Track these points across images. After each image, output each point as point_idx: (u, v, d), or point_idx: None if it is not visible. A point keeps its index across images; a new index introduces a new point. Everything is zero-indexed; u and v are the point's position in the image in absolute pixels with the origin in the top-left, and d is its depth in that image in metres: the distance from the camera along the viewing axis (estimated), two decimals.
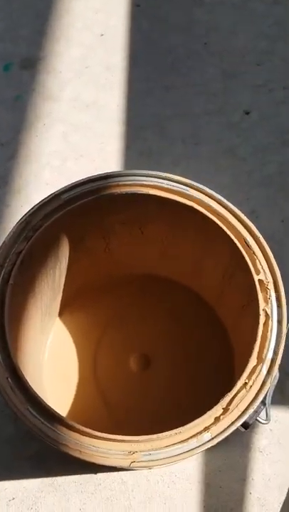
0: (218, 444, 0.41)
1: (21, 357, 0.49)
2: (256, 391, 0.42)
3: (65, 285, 0.63)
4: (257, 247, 0.46)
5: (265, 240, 0.47)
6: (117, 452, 0.41)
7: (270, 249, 0.47)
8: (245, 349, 0.59)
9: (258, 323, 0.43)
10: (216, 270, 0.58)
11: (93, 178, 0.48)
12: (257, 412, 0.43)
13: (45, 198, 0.47)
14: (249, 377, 0.42)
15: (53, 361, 0.64)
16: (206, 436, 0.41)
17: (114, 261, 0.64)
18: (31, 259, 0.48)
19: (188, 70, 0.83)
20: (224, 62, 0.83)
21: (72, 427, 0.41)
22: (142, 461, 0.40)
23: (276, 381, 0.46)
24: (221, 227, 0.48)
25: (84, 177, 0.48)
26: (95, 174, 0.48)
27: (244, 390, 0.42)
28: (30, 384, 0.42)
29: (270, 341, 0.43)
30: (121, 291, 0.67)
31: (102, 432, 0.41)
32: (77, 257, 0.59)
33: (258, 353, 0.43)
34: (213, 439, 0.41)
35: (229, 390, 0.61)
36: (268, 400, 0.45)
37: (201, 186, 0.47)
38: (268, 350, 0.43)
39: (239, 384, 0.41)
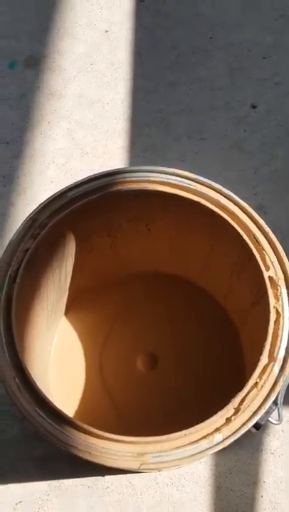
0: (228, 445, 0.40)
1: (27, 356, 0.48)
2: (268, 390, 0.41)
3: (70, 283, 0.62)
4: (266, 242, 0.44)
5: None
6: (126, 454, 0.40)
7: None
8: (255, 347, 0.58)
9: (268, 320, 0.42)
10: (225, 267, 0.57)
11: (99, 175, 0.47)
12: (269, 413, 0.42)
13: (51, 196, 0.46)
14: (260, 376, 0.41)
15: (59, 360, 0.64)
16: (218, 437, 0.40)
17: (120, 259, 0.63)
18: (37, 257, 0.48)
19: (193, 65, 0.82)
20: (230, 56, 0.81)
21: (81, 428, 0.40)
22: (151, 463, 0.39)
23: (288, 380, 0.45)
24: (229, 223, 0.47)
25: (90, 174, 0.47)
26: (101, 171, 0.47)
27: (255, 389, 0.41)
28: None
29: (281, 339, 0.42)
30: (127, 289, 0.66)
31: (109, 432, 0.40)
32: (83, 255, 0.59)
33: (270, 351, 0.42)
34: (224, 440, 0.40)
35: (239, 390, 0.60)
36: (280, 400, 0.44)
37: (208, 181, 0.46)
38: (279, 348, 0.42)
39: (250, 383, 0.40)
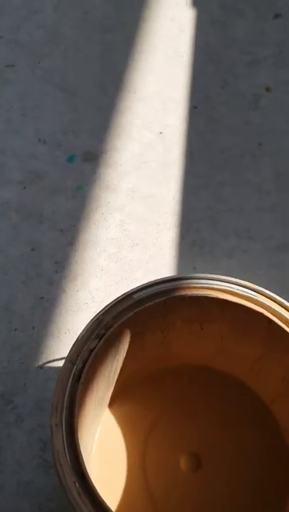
0: None
1: None
2: None
3: (118, 375, 0.63)
4: None
5: None
6: None
7: None
8: None
9: None
10: (276, 372, 0.57)
11: (164, 280, 0.49)
12: None
13: (118, 297, 0.48)
14: None
15: (101, 456, 0.63)
16: None
17: (170, 353, 0.64)
18: (97, 355, 0.49)
19: (242, 168, 0.86)
20: (278, 162, 0.86)
21: None
22: None
23: None
24: (286, 332, 0.49)
25: (155, 278, 0.49)
26: (166, 276, 0.49)
27: None
28: None
29: None
30: (174, 382, 0.66)
31: None
32: (135, 349, 0.60)
33: None
34: None
35: (286, 490, 0.58)
36: None
37: (270, 293, 0.48)
38: None
39: None
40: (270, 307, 0.48)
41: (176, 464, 0.61)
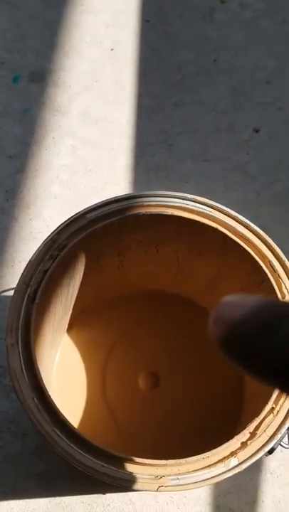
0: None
1: None
2: (283, 416, 0.42)
3: (75, 301, 0.62)
4: (282, 270, 0.46)
5: None
6: (144, 476, 0.40)
7: None
8: None
9: None
10: (231, 290, 0.58)
11: (118, 198, 0.47)
12: (282, 437, 0.43)
13: (70, 217, 0.46)
14: (276, 402, 0.42)
15: (61, 378, 0.64)
16: (233, 461, 0.41)
17: (127, 277, 0.64)
18: (53, 277, 0.48)
19: (197, 87, 0.83)
20: (233, 79, 0.83)
21: (100, 450, 0.40)
22: (169, 486, 0.40)
23: None
24: (242, 248, 0.49)
25: (110, 196, 0.48)
26: (120, 195, 0.48)
27: (271, 415, 0.42)
28: None
29: None
30: (131, 308, 0.67)
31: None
32: (91, 273, 0.59)
33: None
34: (240, 464, 0.41)
35: (239, 411, 0.61)
36: None
37: (225, 208, 0.47)
38: None
39: (266, 408, 0.41)
40: (225, 222, 0.48)
41: (135, 383, 0.63)
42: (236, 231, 0.47)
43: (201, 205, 0.47)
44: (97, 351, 0.65)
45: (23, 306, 0.44)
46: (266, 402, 0.41)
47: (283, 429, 0.41)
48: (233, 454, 0.41)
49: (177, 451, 0.42)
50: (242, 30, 0.87)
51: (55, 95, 0.82)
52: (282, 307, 0.17)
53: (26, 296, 0.44)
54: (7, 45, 0.84)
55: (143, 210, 0.47)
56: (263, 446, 0.41)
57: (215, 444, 0.40)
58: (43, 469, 0.62)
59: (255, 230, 0.47)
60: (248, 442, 0.41)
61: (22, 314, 0.43)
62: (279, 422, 0.41)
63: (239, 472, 0.41)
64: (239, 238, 0.47)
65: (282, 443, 0.44)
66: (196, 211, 0.48)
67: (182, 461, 0.40)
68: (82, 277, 0.59)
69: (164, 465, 0.40)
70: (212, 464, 0.41)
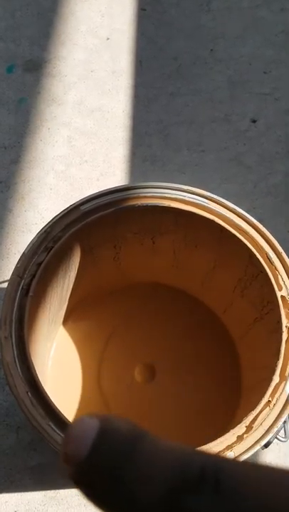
0: None
1: None
2: (280, 409, 0.41)
3: (71, 293, 0.62)
4: (279, 262, 0.45)
5: None
6: None
7: None
8: (255, 362, 0.59)
9: (280, 340, 0.43)
10: (228, 282, 0.58)
11: (113, 190, 0.47)
12: (278, 430, 0.42)
13: (65, 209, 0.46)
14: (272, 395, 0.42)
15: (57, 370, 0.63)
16: (229, 455, 0.40)
17: (122, 269, 0.63)
18: (47, 269, 0.47)
19: (194, 76, 0.82)
20: (230, 69, 0.82)
21: None
22: None
23: None
24: (239, 240, 0.48)
25: (106, 187, 0.47)
26: (115, 186, 0.47)
27: (267, 408, 0.41)
28: None
29: None
30: (127, 300, 0.66)
31: None
32: (86, 265, 0.58)
33: (281, 370, 0.42)
34: (236, 458, 0.40)
35: (235, 403, 0.61)
36: (287, 418, 0.45)
37: (222, 200, 0.47)
38: None
39: (263, 402, 0.41)
40: (222, 214, 0.47)
41: (131, 375, 0.63)
42: (233, 223, 0.46)
43: (197, 197, 0.47)
44: (93, 343, 0.64)
45: (17, 299, 0.43)
46: (262, 396, 0.41)
47: (279, 423, 0.41)
48: (229, 447, 0.41)
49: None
50: (239, 19, 0.86)
51: (50, 85, 0.81)
52: (121, 443, 0.15)
53: (20, 288, 0.44)
54: (1, 33, 0.83)
55: (139, 202, 0.47)
56: (259, 439, 0.40)
57: (211, 437, 0.40)
58: (37, 462, 0.62)
59: (252, 222, 0.46)
60: (244, 436, 0.41)
61: (16, 307, 0.43)
62: (275, 416, 0.41)
63: None
64: (236, 230, 0.46)
65: (278, 436, 0.44)
66: (193, 203, 0.47)
67: None
68: (78, 269, 0.58)
69: None
70: None
